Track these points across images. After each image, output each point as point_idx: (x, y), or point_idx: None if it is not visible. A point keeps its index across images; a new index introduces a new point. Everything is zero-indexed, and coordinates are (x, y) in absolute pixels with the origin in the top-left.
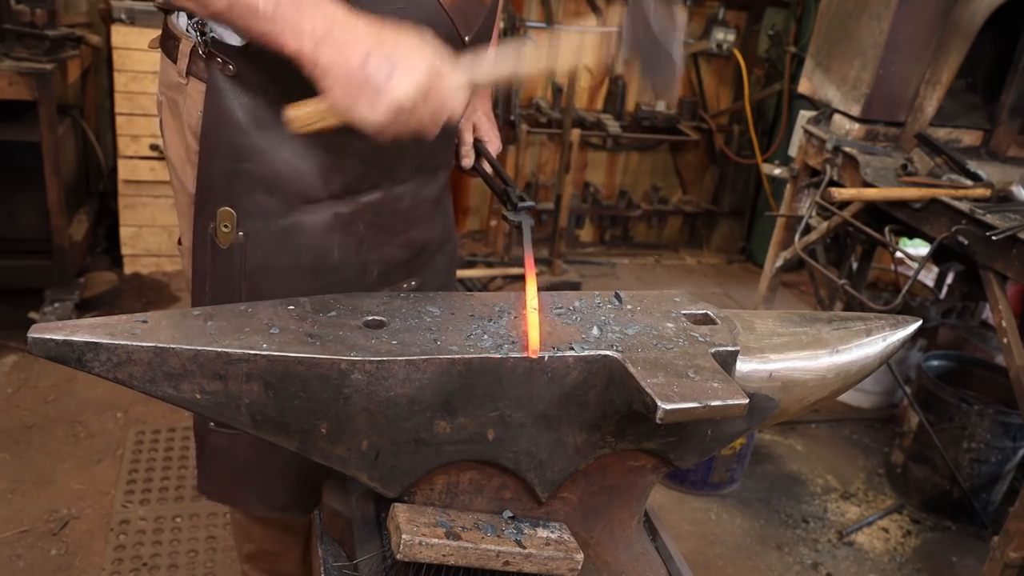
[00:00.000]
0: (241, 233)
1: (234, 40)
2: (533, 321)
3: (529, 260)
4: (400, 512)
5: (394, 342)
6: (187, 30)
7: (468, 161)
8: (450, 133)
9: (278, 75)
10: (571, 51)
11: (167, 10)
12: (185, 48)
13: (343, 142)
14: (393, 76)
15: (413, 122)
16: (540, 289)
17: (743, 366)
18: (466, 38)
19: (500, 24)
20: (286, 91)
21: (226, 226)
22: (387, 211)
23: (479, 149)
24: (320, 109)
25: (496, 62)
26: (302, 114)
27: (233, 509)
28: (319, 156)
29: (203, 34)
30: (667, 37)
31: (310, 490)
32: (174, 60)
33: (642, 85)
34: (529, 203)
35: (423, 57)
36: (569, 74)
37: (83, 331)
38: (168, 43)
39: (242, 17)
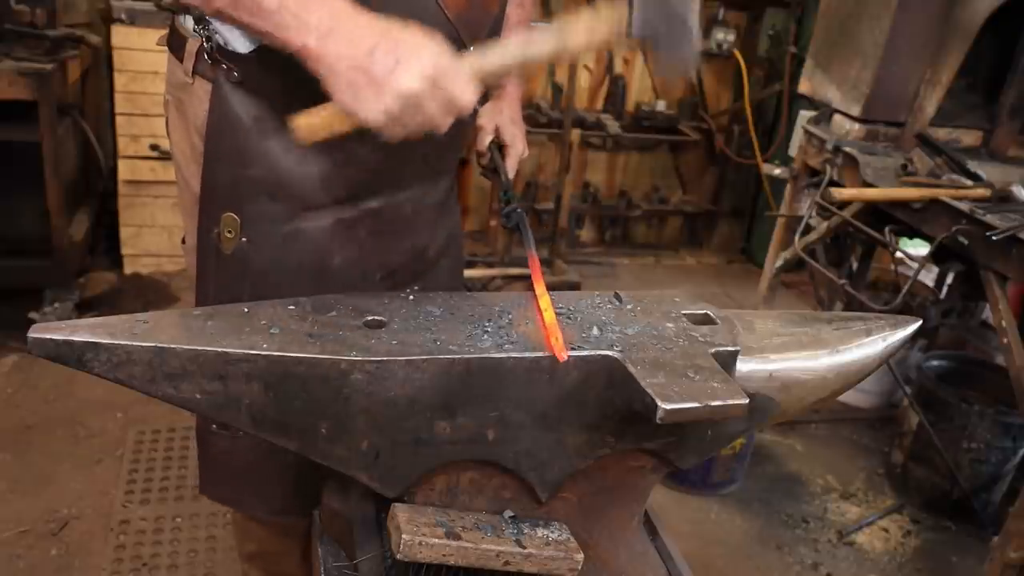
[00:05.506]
0: (244, 239)
1: (240, 47)
2: (553, 324)
3: (534, 261)
4: (400, 512)
5: (394, 342)
6: (193, 30)
7: (483, 161)
8: (454, 136)
9: (284, 81)
10: (581, 30)
11: (174, 10)
12: (192, 48)
13: (347, 148)
14: (398, 68)
15: (421, 116)
16: None
17: (743, 366)
18: (471, 48)
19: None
20: (292, 97)
21: (230, 231)
22: (389, 217)
23: (495, 153)
24: (327, 116)
25: (505, 50)
26: (308, 122)
27: (235, 510)
28: (323, 162)
29: (208, 39)
30: (684, 7)
31: (308, 493)
32: (180, 59)
33: (657, 66)
34: (515, 208)
35: (429, 50)
36: (582, 52)
37: (83, 331)
38: (175, 42)
39: (247, 12)
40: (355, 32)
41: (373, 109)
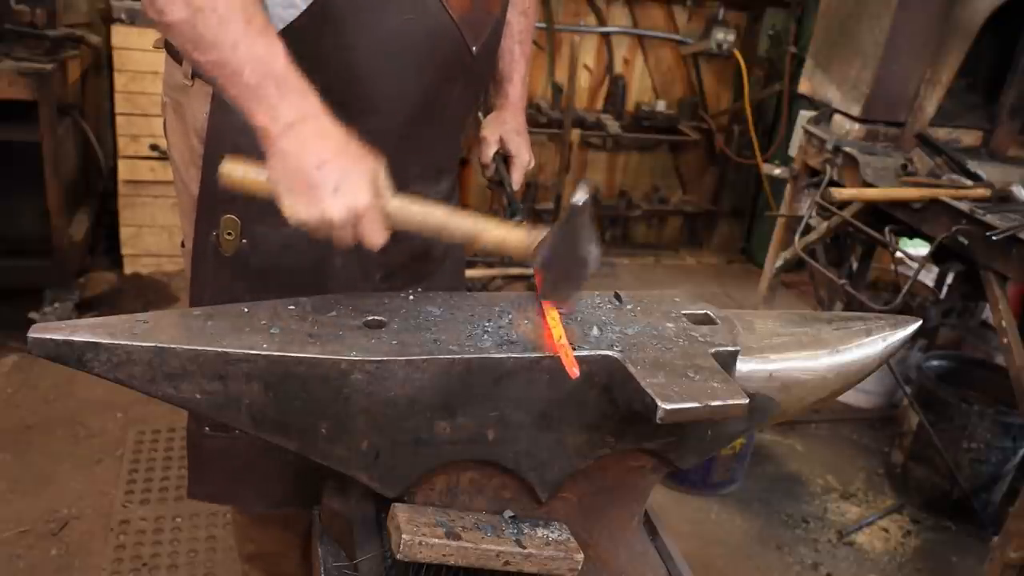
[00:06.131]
0: (245, 240)
1: None
2: (563, 341)
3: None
4: (400, 512)
5: (394, 342)
6: None
7: (488, 172)
8: (454, 137)
9: None
10: (497, 234)
11: None
12: None
13: None
14: (337, 192)
15: (332, 235)
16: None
17: (743, 366)
18: (474, 49)
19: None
20: None
21: (230, 233)
22: None
23: (499, 165)
24: (254, 181)
25: (429, 212)
26: (239, 176)
27: (233, 509)
28: None
29: None
30: (589, 255)
31: (310, 483)
32: (179, 62)
33: (543, 290)
34: (521, 220)
35: (369, 186)
36: (487, 250)
37: (83, 331)
38: (173, 45)
39: (225, 78)
40: (314, 138)
41: (297, 211)
